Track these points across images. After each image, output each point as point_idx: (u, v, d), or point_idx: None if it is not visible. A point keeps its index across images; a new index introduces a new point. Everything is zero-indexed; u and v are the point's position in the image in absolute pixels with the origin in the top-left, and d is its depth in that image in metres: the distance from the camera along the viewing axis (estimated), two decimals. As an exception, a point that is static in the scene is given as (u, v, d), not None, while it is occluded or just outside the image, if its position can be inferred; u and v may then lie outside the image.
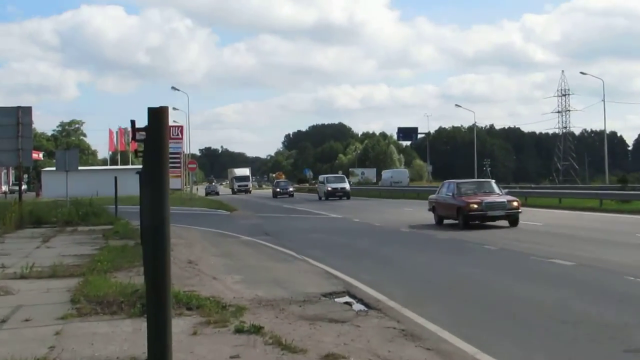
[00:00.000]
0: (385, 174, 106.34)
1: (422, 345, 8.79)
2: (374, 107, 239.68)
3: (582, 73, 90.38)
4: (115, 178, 32.47)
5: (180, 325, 8.84)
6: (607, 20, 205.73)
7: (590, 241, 20.55)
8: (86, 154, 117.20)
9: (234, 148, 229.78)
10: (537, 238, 21.88)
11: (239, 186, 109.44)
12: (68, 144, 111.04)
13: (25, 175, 68.77)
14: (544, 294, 12.35)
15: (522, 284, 13.63)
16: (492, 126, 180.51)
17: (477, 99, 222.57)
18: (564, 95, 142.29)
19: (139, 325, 8.60)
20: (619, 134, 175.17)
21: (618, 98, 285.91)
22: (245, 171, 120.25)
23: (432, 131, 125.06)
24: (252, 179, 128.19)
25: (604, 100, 74.69)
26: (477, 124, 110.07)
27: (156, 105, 4.69)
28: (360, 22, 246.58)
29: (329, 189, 65.92)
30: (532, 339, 9.09)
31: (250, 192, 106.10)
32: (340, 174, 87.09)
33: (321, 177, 79.60)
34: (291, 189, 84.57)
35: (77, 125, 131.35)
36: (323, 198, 65.61)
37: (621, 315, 10.30)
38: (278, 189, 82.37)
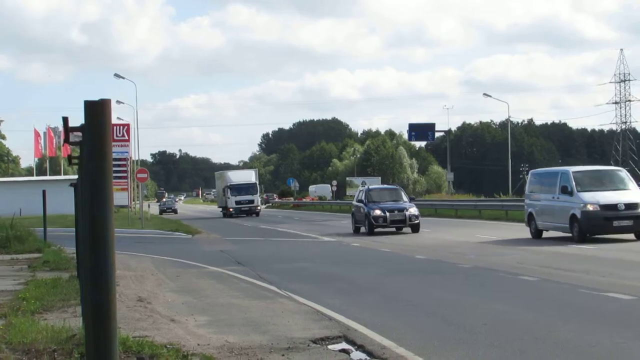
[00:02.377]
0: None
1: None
2: (378, 98, 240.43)
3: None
4: (44, 192, 32.56)
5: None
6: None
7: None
8: (6, 162, 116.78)
9: (196, 152, 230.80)
10: (588, 265, 21.96)
11: (237, 203, 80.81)
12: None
13: None
14: (596, 337, 12.45)
15: (568, 322, 13.72)
16: (531, 121, 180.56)
17: (512, 87, 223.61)
18: (623, 81, 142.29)
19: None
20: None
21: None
22: (247, 175, 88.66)
23: (454, 128, 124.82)
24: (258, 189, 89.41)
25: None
26: (512, 119, 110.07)
27: (96, 97, 4.76)
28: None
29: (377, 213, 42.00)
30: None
31: (258, 214, 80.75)
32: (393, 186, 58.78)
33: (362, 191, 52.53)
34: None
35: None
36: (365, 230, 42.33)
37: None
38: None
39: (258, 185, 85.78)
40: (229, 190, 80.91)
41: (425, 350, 11.57)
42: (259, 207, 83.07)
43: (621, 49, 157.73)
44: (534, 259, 24.16)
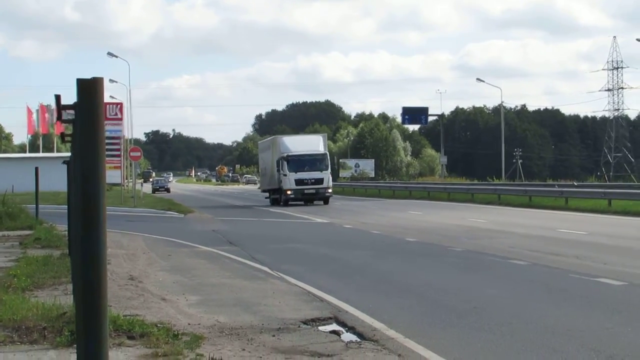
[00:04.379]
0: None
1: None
2: (371, 81, 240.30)
3: (638, 39, 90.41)
4: (37, 169, 32.50)
5: (119, 358, 8.90)
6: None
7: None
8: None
9: (190, 132, 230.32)
10: (580, 250, 22.01)
11: (299, 182, 53.35)
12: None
13: None
14: (586, 322, 12.48)
15: (557, 306, 13.76)
16: (524, 107, 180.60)
17: (506, 72, 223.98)
18: (616, 68, 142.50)
19: (65, 357, 8.66)
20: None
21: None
22: (313, 143, 58.67)
23: (447, 113, 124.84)
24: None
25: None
26: (505, 104, 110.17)
27: (88, 75, 4.71)
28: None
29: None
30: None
31: (327, 201, 54.52)
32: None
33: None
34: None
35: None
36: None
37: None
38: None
39: (328, 159, 54.60)
40: (285, 163, 51.44)
41: (416, 333, 11.57)
42: (329, 190, 52.86)
43: (614, 37, 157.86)
44: (525, 243, 24.19)
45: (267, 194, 59.11)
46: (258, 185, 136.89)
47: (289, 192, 50.56)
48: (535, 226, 31.31)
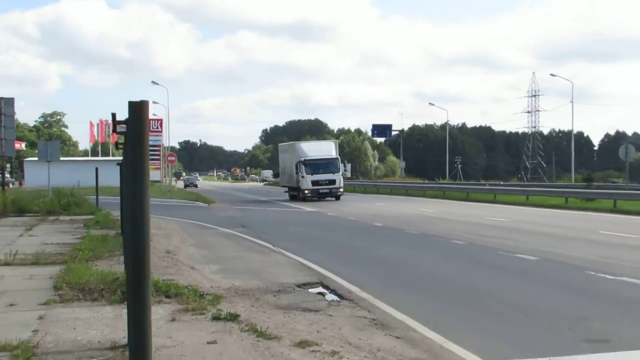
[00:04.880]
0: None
1: (392, 333, 8.88)
2: (349, 105, 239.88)
3: (552, 75, 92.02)
4: (97, 169, 32.29)
5: (159, 312, 8.89)
6: (579, 24, 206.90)
7: (555, 237, 20.78)
8: (67, 145, 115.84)
9: (213, 142, 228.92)
10: (504, 233, 22.05)
11: (315, 183, 47.47)
12: (50, 135, 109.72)
13: (8, 165, 68.02)
14: (509, 287, 12.52)
15: (491, 277, 13.79)
16: (464, 124, 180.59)
17: (451, 98, 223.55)
18: (534, 96, 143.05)
19: (119, 312, 8.64)
20: (585, 135, 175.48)
21: (586, 100, 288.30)
22: (326, 148, 52.01)
23: (405, 128, 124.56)
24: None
25: (572, 102, 75.99)
26: (449, 122, 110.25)
27: (137, 98, 4.73)
28: (339, 20, 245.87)
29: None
30: (497, 330, 9.21)
31: (339, 198, 48.11)
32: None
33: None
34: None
35: (58, 117, 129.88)
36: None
37: (581, 308, 10.47)
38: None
39: (340, 162, 49.26)
40: (302, 166, 46.56)
41: (381, 293, 11.57)
42: (341, 189, 47.91)
43: (533, 72, 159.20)
44: (462, 228, 24.21)
45: (285, 189, 54.28)
46: (260, 182, 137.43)
47: (306, 192, 46.00)
48: (470, 215, 31.32)
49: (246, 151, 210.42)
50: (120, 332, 7.31)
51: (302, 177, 46.26)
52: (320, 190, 45.80)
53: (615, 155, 39.13)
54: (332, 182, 45.99)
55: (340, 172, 46.28)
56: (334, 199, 46.14)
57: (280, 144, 63.35)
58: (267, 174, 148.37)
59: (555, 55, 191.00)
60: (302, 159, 46.73)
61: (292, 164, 49.31)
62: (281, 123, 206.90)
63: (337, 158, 47.82)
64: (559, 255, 16.28)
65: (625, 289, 11.83)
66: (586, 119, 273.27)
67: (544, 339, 8.52)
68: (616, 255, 16.16)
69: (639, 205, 32.24)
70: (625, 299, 11.01)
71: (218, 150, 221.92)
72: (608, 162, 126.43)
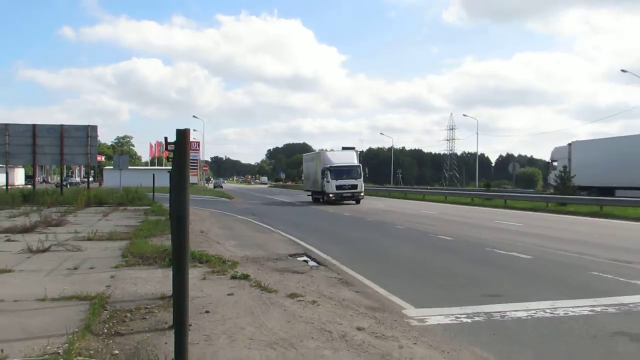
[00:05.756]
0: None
1: (353, 289, 8.89)
2: (327, 133, 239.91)
3: (464, 115, 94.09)
4: (153, 175, 32.54)
5: (194, 273, 8.83)
6: (482, 81, 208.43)
7: (464, 224, 20.87)
8: (134, 158, 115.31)
9: (234, 157, 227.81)
10: (431, 221, 22.14)
11: (339, 188, 37.47)
12: (122, 151, 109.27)
13: (92, 171, 67.63)
14: (434, 258, 12.55)
15: (421, 252, 13.83)
16: (403, 148, 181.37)
17: (395, 130, 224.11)
18: (451, 129, 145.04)
19: (167, 273, 8.57)
20: (486, 155, 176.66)
21: (486, 132, 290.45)
22: (349, 157, 41.08)
23: (364, 150, 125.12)
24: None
25: (477, 133, 77.76)
26: (394, 146, 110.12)
27: (182, 127, 4.72)
28: (321, 76, 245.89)
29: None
30: (425, 288, 9.24)
31: (359, 202, 37.80)
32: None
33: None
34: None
35: (128, 139, 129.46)
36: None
37: (482, 273, 10.52)
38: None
39: (361, 169, 39.14)
40: (328, 172, 38.18)
41: (346, 262, 11.56)
42: (362, 193, 38.76)
43: (451, 113, 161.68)
44: (402, 218, 24.27)
45: (309, 193, 43.90)
46: (261, 184, 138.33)
47: (331, 195, 36.87)
48: (408, 208, 31.38)
49: (256, 164, 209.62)
50: (167, 287, 7.25)
51: (327, 182, 37.22)
52: (344, 194, 36.81)
53: (506, 170, 39.74)
54: (354, 186, 37.09)
55: (362, 178, 37.30)
56: (354, 202, 36.84)
57: (304, 154, 51.93)
58: (264, 179, 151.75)
59: (466, 101, 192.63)
60: (328, 165, 37.72)
61: (317, 171, 40.14)
62: (280, 145, 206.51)
63: (359, 165, 38.35)
64: (467, 237, 16.37)
65: (512, 260, 11.90)
66: (486, 145, 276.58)
67: (457, 294, 8.55)
68: (506, 237, 16.26)
69: (522, 203, 32.56)
70: (512, 267, 11.08)
71: (237, 163, 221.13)
72: (501, 174, 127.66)
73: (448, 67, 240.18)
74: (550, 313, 7.22)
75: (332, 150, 40.27)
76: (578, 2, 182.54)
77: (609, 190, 32.92)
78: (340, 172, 36.96)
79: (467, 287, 9.04)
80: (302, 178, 49.85)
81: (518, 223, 21.22)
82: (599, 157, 34.93)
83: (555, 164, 40.61)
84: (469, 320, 6.94)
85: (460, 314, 7.20)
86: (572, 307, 7.50)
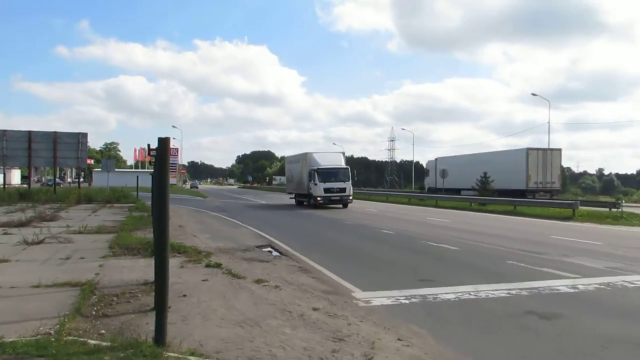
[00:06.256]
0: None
1: (310, 275, 8.87)
2: (288, 143, 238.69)
3: (402, 129, 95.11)
4: (137, 177, 31.99)
5: (173, 262, 8.62)
6: (418, 100, 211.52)
7: (403, 220, 21.09)
8: (120, 162, 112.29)
9: (208, 162, 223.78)
10: (374, 218, 22.31)
11: (327, 191, 29.78)
12: (109, 155, 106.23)
13: (82, 173, 65.66)
14: (377, 249, 12.63)
15: (368, 244, 13.89)
16: (352, 156, 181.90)
17: (347, 140, 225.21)
18: (392, 140, 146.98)
19: (149, 262, 8.36)
20: (420, 163, 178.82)
21: (421, 143, 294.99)
22: (336, 159, 32.88)
23: (285, 163, 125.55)
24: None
25: (413, 144, 78.90)
26: (344, 155, 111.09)
27: (163, 136, 4.63)
28: (284, 94, 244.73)
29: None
30: (371, 275, 9.28)
31: (346, 205, 30.11)
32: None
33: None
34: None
35: (115, 145, 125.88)
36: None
37: (418, 261, 10.65)
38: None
39: (350, 171, 31.77)
40: (316, 175, 31.12)
41: (305, 252, 11.54)
42: (350, 197, 31.38)
43: (392, 127, 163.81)
44: (352, 215, 24.37)
45: (291, 196, 36.12)
46: (232, 185, 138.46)
47: (318, 198, 29.68)
48: (355, 207, 31.49)
49: (227, 168, 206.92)
50: (149, 275, 7.07)
51: (315, 184, 30.00)
52: (332, 198, 29.79)
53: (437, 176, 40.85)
54: (343, 190, 30.01)
55: (350, 181, 30.59)
56: (341, 206, 29.94)
57: (287, 156, 42.35)
58: (231, 181, 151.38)
59: (404, 117, 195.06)
60: (315, 168, 30.56)
61: (303, 173, 32.73)
62: (248, 152, 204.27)
63: (347, 168, 31.31)
64: (405, 231, 16.55)
65: (443, 251, 12.09)
66: (421, 154, 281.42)
67: (397, 279, 8.63)
68: (436, 231, 16.51)
69: (450, 203, 33.04)
70: (443, 257, 11.25)
71: (210, 167, 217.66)
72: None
73: (390, 88, 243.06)
74: (474, 295, 7.36)
75: (317, 152, 32.69)
76: (497, 37, 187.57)
77: (457, 191, 39.07)
78: (329, 174, 30.05)
79: (406, 273, 9.13)
80: (285, 181, 40.04)
81: (447, 220, 21.57)
82: (452, 168, 39.95)
83: (429, 172, 47.46)
84: (407, 302, 7.01)
85: (400, 296, 7.27)
86: (492, 290, 7.67)
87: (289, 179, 37.23)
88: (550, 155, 34.68)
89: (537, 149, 34.94)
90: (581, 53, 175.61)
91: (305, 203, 31.97)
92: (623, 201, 26.21)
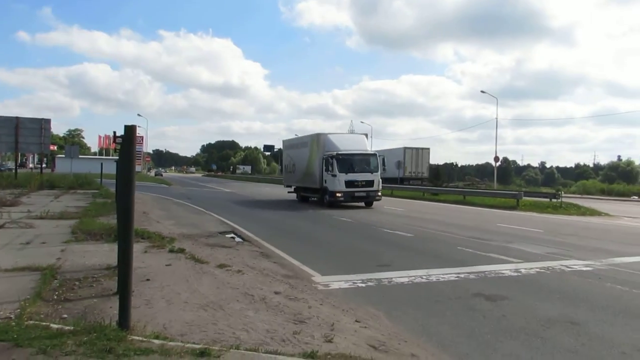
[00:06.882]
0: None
1: (272, 260, 8.83)
2: (252, 133, 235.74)
3: (361, 122, 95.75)
4: (102, 163, 31.25)
5: (137, 247, 8.41)
6: (376, 95, 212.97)
7: (361, 209, 21.22)
8: (84, 149, 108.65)
9: (173, 150, 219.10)
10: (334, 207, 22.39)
11: (350, 184, 20.80)
12: (73, 142, 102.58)
13: (45, 158, 63.25)
14: (336, 236, 12.69)
15: (327, 230, 13.93)
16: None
17: (308, 132, 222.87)
18: (351, 133, 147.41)
19: (112, 248, 8.13)
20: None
21: (378, 137, 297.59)
22: (359, 142, 22.56)
23: (282, 148, 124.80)
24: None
25: (371, 137, 78.57)
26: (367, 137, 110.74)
27: (129, 124, 4.50)
28: (247, 86, 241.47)
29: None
30: (331, 260, 9.33)
31: (371, 204, 21.80)
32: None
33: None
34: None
35: (78, 131, 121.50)
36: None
37: (374, 247, 10.76)
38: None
39: (378, 159, 21.53)
40: (335, 162, 20.71)
41: (266, 238, 11.50)
42: (379, 193, 21.51)
43: (351, 120, 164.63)
44: (314, 203, 24.41)
45: (291, 189, 26.65)
46: (193, 173, 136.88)
47: (338, 195, 21.19)
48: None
49: (192, 156, 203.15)
50: (112, 260, 6.88)
51: (333, 176, 21.18)
52: (356, 194, 21.36)
53: (394, 169, 41.39)
54: (370, 183, 21.41)
55: (379, 172, 21.81)
56: (365, 205, 22.14)
57: (286, 140, 29.72)
58: (192, 169, 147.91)
59: (363, 111, 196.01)
60: (335, 153, 21.46)
61: (313, 160, 23.24)
62: (212, 141, 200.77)
63: (375, 154, 22.36)
64: (363, 219, 16.70)
65: (397, 238, 12.27)
66: (379, 146, 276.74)
67: (355, 264, 8.71)
68: (392, 219, 16.73)
69: (405, 193, 33.52)
70: (397, 243, 11.41)
71: (175, 155, 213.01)
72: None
73: (349, 83, 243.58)
74: (426, 279, 7.51)
75: (334, 133, 23.36)
76: (449, 37, 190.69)
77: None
78: (352, 162, 21.50)
79: (363, 259, 9.23)
80: (284, 170, 30.08)
81: (401, 208, 21.87)
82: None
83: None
84: (364, 285, 7.09)
85: (357, 280, 7.34)
86: (442, 274, 7.85)
87: (289, 168, 27.35)
88: (421, 152, 43.05)
89: (412, 148, 43.07)
90: (526, 54, 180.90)
91: (314, 199, 23.83)
92: (562, 192, 27.28)
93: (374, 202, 22.39)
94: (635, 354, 4.59)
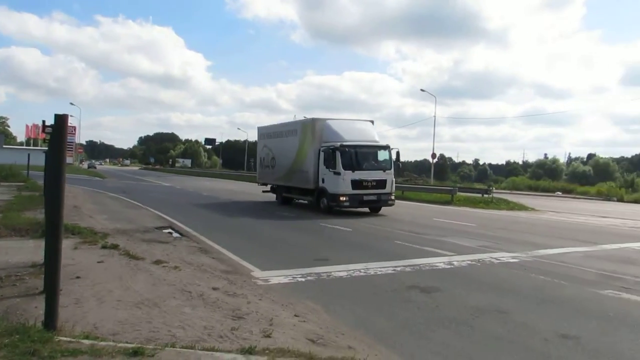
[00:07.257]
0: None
1: (211, 256, 8.70)
2: (193, 126, 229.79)
3: (304, 117, 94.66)
4: (29, 154, 29.63)
5: (66, 243, 8.00)
6: (320, 90, 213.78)
7: (305, 208, 21.40)
8: (9, 138, 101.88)
9: (108, 142, 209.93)
10: (272, 201, 22.32)
11: (357, 185, 15.80)
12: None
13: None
14: (276, 230, 12.67)
15: (266, 225, 13.87)
16: (256, 141, 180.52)
17: (250, 126, 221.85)
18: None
19: (39, 244, 7.68)
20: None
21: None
22: (366, 130, 16.90)
23: (223, 141, 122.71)
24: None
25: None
26: (248, 140, 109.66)
27: (59, 113, 4.26)
28: (189, 77, 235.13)
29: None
30: (271, 256, 9.30)
31: (379, 210, 16.79)
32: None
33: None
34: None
35: (3, 120, 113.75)
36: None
37: (314, 241, 10.82)
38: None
39: (391, 153, 16.19)
40: (338, 156, 15.37)
41: (205, 233, 11.32)
42: (392, 197, 16.16)
43: (295, 115, 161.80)
44: (252, 197, 24.17)
45: (266, 189, 21.88)
46: (127, 166, 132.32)
47: (342, 199, 15.84)
48: (257, 190, 31.40)
49: (128, 149, 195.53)
50: (39, 257, 6.51)
51: (337, 174, 16.08)
52: (365, 197, 16.31)
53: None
54: (382, 184, 16.43)
55: (392, 170, 16.83)
56: (374, 211, 17.41)
57: (263, 126, 22.81)
58: (126, 162, 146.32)
59: (306, 106, 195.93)
60: (337, 144, 16.20)
61: (304, 152, 17.86)
62: (151, 133, 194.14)
63: (388, 146, 16.98)
64: (302, 213, 16.76)
65: (336, 232, 12.42)
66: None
67: (294, 259, 8.74)
68: (330, 214, 16.93)
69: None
70: (336, 238, 11.56)
71: (111, 147, 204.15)
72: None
73: (293, 77, 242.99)
74: (364, 272, 7.66)
75: (333, 119, 17.93)
76: (392, 35, 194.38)
77: None
78: (360, 156, 16.49)
79: (302, 253, 9.27)
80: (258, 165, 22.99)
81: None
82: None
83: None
84: (303, 280, 7.13)
85: (296, 275, 7.37)
86: (380, 267, 8.04)
87: (265, 163, 21.59)
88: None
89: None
90: (463, 55, 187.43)
91: (302, 202, 19.05)
92: (493, 188, 28.60)
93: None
94: (555, 339, 4.90)
